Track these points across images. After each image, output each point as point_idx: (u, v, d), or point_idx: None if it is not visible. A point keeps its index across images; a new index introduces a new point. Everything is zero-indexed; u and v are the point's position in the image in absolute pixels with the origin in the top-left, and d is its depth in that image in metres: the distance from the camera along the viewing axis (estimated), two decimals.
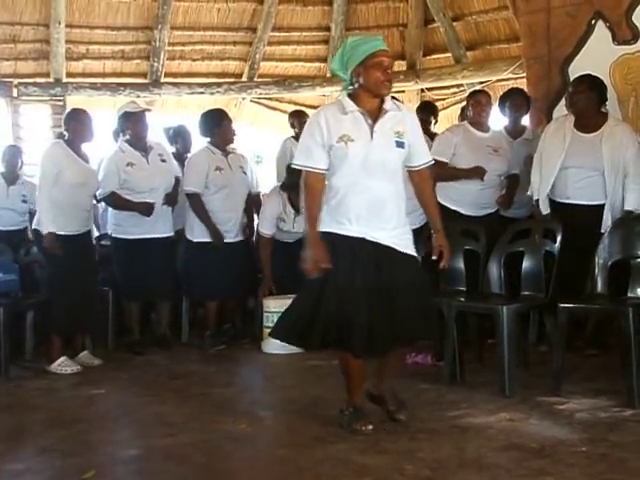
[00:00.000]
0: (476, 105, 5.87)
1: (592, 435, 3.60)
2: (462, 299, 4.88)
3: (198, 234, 6.30)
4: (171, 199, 6.26)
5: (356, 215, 3.76)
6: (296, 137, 7.55)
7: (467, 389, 4.58)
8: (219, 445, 3.75)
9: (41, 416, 4.49)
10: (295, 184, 6.04)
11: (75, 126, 5.68)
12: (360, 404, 3.92)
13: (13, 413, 4.61)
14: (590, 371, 4.82)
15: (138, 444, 3.84)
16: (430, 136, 6.82)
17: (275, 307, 6.04)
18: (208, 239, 6.26)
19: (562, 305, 4.35)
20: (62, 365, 5.55)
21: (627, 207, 5.21)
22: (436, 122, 7.15)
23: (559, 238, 4.73)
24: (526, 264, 4.84)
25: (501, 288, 4.87)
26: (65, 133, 5.74)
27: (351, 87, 3.84)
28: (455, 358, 4.70)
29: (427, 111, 7.05)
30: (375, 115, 3.81)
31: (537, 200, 5.43)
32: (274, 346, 5.99)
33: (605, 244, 4.66)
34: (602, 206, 5.23)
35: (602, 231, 5.03)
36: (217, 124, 6.37)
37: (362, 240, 3.76)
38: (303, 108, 9.32)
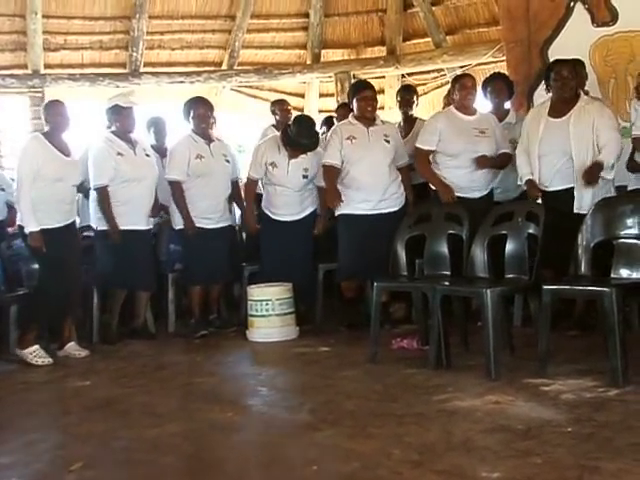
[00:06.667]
0: (462, 89, 5.88)
1: (578, 415, 3.62)
2: (446, 283, 4.89)
3: (179, 222, 6.33)
4: (154, 211, 6.35)
5: None
6: (276, 126, 7.50)
7: (453, 373, 4.59)
8: (206, 434, 3.75)
9: (27, 409, 4.47)
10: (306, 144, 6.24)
11: (53, 118, 5.66)
12: None
13: None
14: (574, 352, 4.83)
15: (125, 435, 3.82)
16: (410, 121, 6.82)
17: (259, 295, 6.05)
18: None
19: (546, 287, 4.36)
20: (35, 355, 5.51)
21: (597, 159, 5.18)
22: (416, 104, 7.08)
23: (542, 220, 4.75)
24: (509, 247, 4.84)
25: (485, 271, 4.88)
26: (45, 126, 5.72)
27: None
28: (440, 342, 4.71)
29: (406, 93, 7.04)
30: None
31: (529, 180, 5.40)
32: (259, 334, 6.01)
33: (588, 225, 4.65)
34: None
35: (575, 211, 5.11)
36: (189, 111, 6.41)
37: None
38: (284, 96, 9.32)
